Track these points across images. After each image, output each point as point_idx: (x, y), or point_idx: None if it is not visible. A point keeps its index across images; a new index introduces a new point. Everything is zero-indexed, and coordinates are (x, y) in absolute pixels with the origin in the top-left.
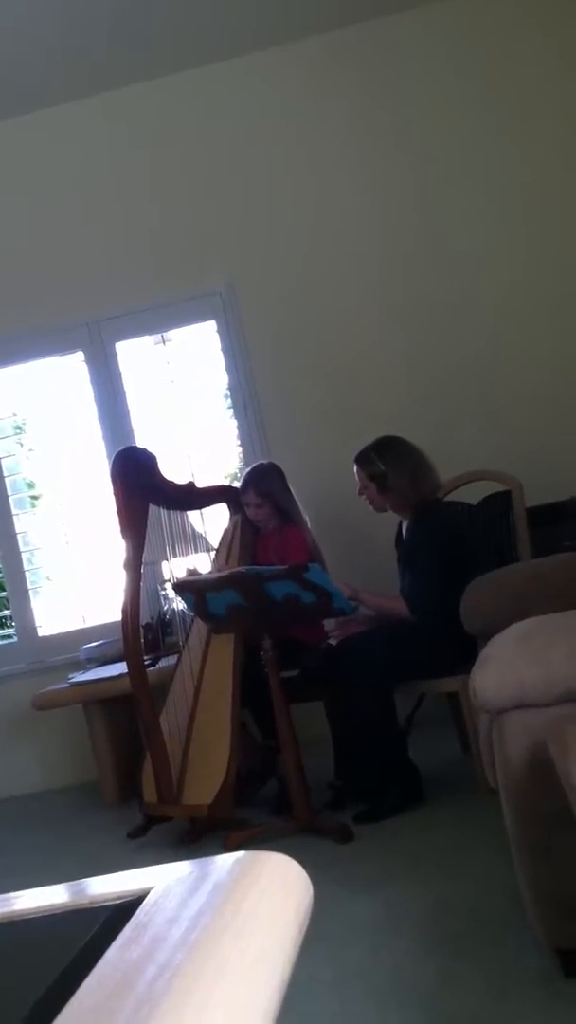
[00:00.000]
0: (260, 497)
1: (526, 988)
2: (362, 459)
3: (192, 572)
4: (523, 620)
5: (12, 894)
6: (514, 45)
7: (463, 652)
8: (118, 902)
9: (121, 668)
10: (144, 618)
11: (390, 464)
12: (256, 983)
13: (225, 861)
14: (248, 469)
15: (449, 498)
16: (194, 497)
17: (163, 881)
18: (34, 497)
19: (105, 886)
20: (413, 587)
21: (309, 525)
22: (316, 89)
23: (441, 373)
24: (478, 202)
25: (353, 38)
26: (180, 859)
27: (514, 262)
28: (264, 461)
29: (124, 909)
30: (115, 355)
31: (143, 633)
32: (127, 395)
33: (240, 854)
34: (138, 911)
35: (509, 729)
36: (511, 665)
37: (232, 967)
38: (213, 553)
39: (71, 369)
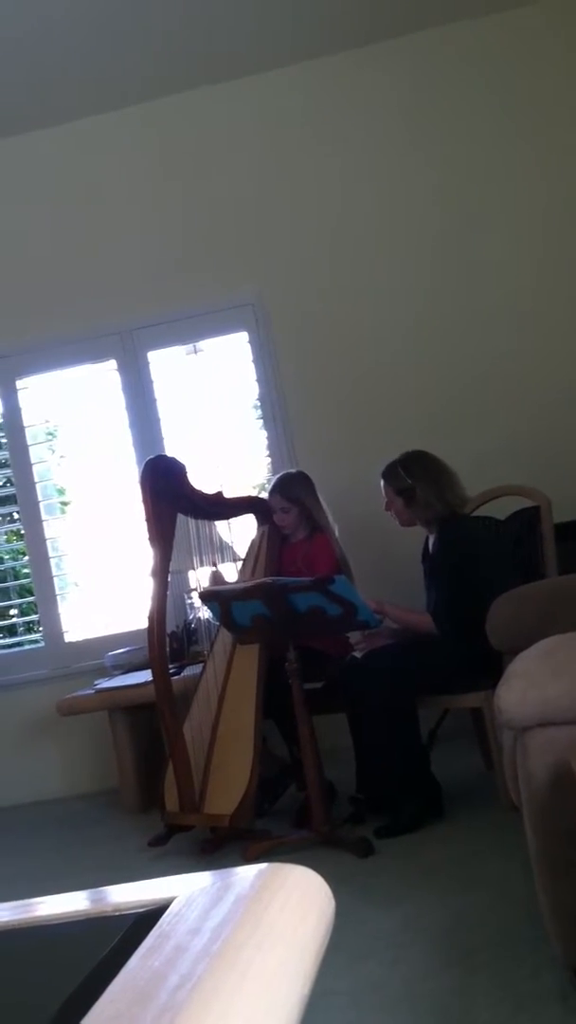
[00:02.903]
0: (286, 502)
1: (542, 1005)
2: (389, 474)
3: (216, 575)
4: (549, 637)
5: (35, 900)
6: (536, 58)
7: (488, 667)
8: (141, 911)
9: (146, 676)
10: (170, 626)
11: (417, 478)
12: (277, 995)
13: (247, 872)
14: (276, 476)
15: (477, 513)
16: (222, 507)
17: (185, 891)
18: (64, 503)
19: (128, 894)
20: (438, 602)
21: (337, 535)
22: (346, 103)
23: (470, 385)
24: (504, 212)
25: (380, 53)
26: (200, 869)
27: (541, 271)
28: (293, 469)
29: (147, 918)
30: (147, 364)
31: (168, 641)
32: (158, 404)
33: (262, 866)
34: (160, 920)
35: (533, 746)
36: (536, 682)
37: (253, 979)
38: (240, 563)
39: (103, 377)
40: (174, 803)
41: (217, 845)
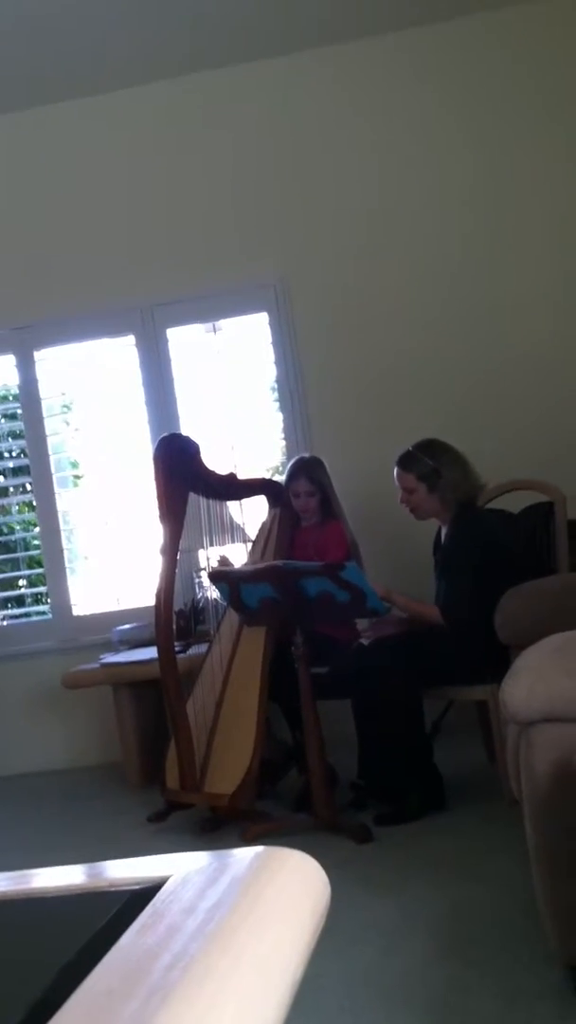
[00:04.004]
0: (312, 486)
1: (536, 1001)
2: (407, 461)
3: (224, 561)
4: (558, 633)
5: (32, 871)
6: (572, 47)
7: (494, 661)
8: (136, 888)
9: (152, 652)
10: (177, 604)
11: (440, 459)
12: (269, 979)
13: (244, 854)
14: (296, 459)
15: (490, 506)
16: (235, 488)
17: (182, 870)
18: (77, 477)
19: (124, 870)
20: (448, 594)
21: (348, 521)
22: (379, 86)
23: (489, 378)
24: (535, 203)
25: (419, 38)
26: (198, 847)
27: (569, 263)
28: (307, 454)
29: (142, 895)
30: (166, 341)
31: (175, 619)
32: (175, 381)
33: (260, 849)
34: (155, 898)
35: (537, 741)
36: (543, 677)
37: (246, 961)
38: (249, 545)
39: (121, 352)
40: (175, 781)
41: (216, 824)
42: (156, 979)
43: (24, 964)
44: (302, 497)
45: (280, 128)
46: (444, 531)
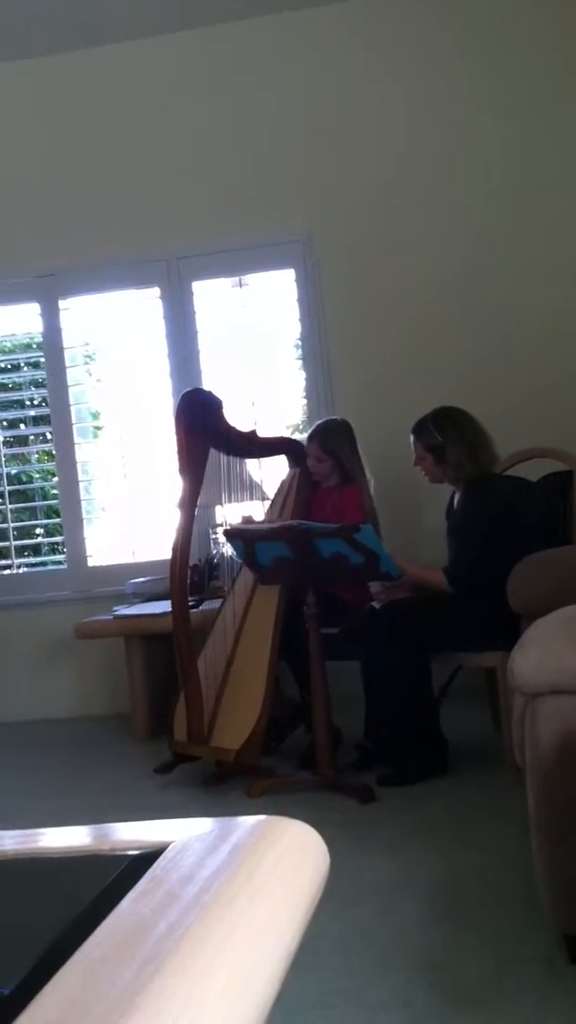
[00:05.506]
0: (322, 452)
1: (528, 967)
2: (420, 430)
3: (247, 520)
4: (569, 604)
5: (37, 831)
6: None
7: (505, 628)
8: (137, 852)
9: (165, 606)
10: (193, 559)
11: (448, 436)
12: (264, 950)
13: (246, 822)
14: (320, 421)
15: (509, 473)
16: (255, 445)
17: (183, 836)
18: (97, 428)
19: (126, 834)
20: (456, 560)
21: (372, 488)
22: (405, 39)
23: (514, 342)
24: (563, 164)
25: None
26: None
27: None
28: (337, 417)
29: (142, 860)
30: (191, 294)
31: (190, 574)
32: (199, 335)
33: (262, 817)
34: (155, 865)
35: (542, 712)
36: (552, 649)
37: (242, 932)
38: (267, 503)
39: (146, 304)
40: (183, 733)
41: (221, 779)
42: (150, 948)
43: (23, 927)
44: (312, 460)
45: (309, 82)
46: (457, 495)
